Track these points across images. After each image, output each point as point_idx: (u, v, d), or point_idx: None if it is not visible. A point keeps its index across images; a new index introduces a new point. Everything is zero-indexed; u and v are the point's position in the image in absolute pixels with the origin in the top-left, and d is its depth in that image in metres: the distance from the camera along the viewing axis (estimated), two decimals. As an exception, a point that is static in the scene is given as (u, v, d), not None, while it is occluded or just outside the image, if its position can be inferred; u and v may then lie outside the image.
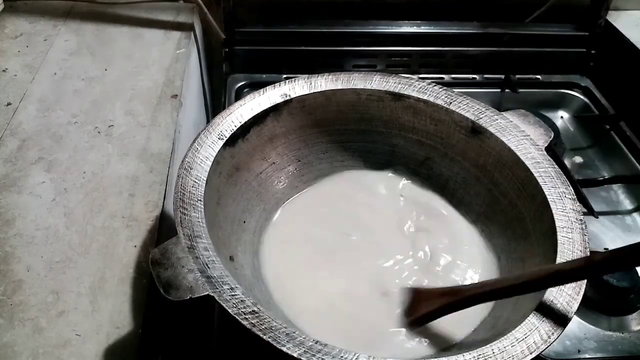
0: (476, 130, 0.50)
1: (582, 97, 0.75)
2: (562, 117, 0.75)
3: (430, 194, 0.54)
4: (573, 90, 0.76)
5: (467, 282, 0.47)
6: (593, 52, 0.78)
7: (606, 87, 0.75)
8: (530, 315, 0.36)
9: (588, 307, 0.48)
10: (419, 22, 0.76)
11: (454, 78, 0.76)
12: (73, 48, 0.67)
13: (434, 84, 0.52)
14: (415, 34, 0.76)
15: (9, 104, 0.59)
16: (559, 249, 0.40)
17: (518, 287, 0.38)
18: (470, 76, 0.76)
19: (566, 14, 0.77)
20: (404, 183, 0.55)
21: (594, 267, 0.36)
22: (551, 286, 0.37)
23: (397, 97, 0.52)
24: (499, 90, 0.74)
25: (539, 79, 0.76)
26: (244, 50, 0.74)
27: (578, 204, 0.43)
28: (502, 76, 0.75)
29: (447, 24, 0.76)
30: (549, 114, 0.72)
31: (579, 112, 0.74)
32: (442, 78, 0.75)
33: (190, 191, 0.41)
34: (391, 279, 0.47)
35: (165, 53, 0.68)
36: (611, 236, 0.56)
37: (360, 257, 0.49)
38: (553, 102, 0.75)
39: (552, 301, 0.37)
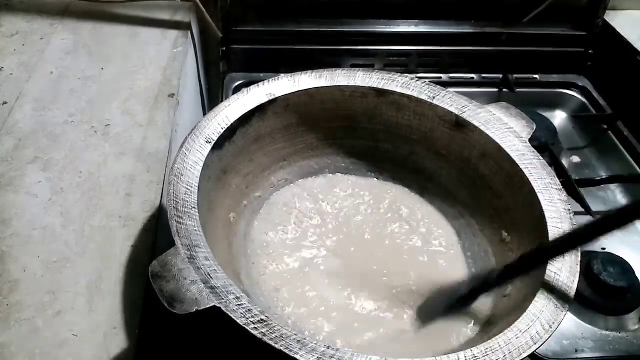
0: (460, 124, 0.50)
1: (579, 96, 0.75)
2: (559, 116, 0.75)
3: (412, 192, 0.55)
4: (571, 90, 0.76)
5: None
6: (591, 51, 0.78)
7: (604, 86, 0.75)
8: (530, 307, 0.36)
9: (586, 307, 0.48)
10: (417, 21, 0.76)
11: (451, 78, 0.76)
12: (70, 47, 0.67)
13: (416, 79, 0.52)
14: (413, 34, 0.76)
15: (5, 103, 0.58)
16: (550, 239, 0.41)
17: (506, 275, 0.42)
18: (468, 76, 0.76)
19: (564, 13, 0.77)
20: (388, 181, 0.55)
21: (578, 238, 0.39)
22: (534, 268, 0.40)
23: (381, 93, 0.52)
24: (496, 90, 0.75)
25: (536, 78, 0.77)
26: (241, 49, 0.74)
27: (565, 194, 0.44)
28: (500, 76, 0.75)
29: (445, 23, 0.76)
30: (547, 114, 0.72)
31: (577, 112, 0.74)
32: (440, 78, 0.75)
33: (183, 199, 0.40)
34: (375, 275, 0.48)
35: (162, 52, 0.68)
36: (608, 236, 0.56)
37: (342, 256, 0.49)
38: (551, 102, 0.75)
39: (550, 292, 0.37)
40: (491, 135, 0.48)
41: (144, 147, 0.55)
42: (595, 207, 0.58)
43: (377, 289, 0.47)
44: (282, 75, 0.51)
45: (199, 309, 0.33)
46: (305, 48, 0.74)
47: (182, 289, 0.34)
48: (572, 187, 0.58)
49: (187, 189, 0.41)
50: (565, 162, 0.65)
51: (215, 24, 0.73)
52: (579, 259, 0.40)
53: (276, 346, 0.32)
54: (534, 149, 0.47)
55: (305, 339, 0.33)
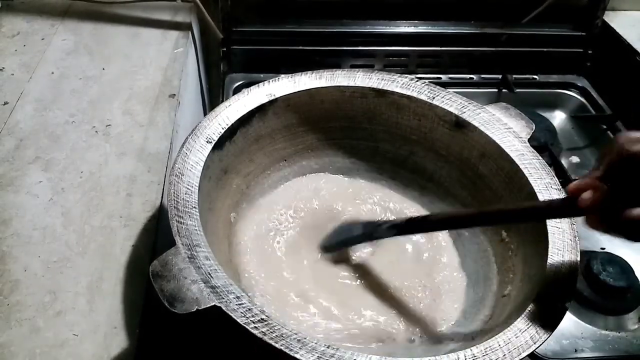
0: (460, 124, 0.50)
1: (579, 97, 0.75)
2: (559, 117, 0.75)
3: (411, 192, 0.55)
4: (570, 90, 0.76)
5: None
6: (590, 52, 0.78)
7: (603, 87, 0.75)
8: (530, 306, 0.36)
9: (585, 307, 0.48)
10: (416, 22, 0.76)
11: (451, 78, 0.76)
12: (70, 47, 0.67)
13: (416, 79, 0.52)
14: (413, 34, 0.76)
15: (6, 103, 0.58)
16: (550, 238, 0.41)
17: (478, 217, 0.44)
18: (468, 76, 0.76)
19: (563, 14, 0.77)
20: (388, 181, 0.55)
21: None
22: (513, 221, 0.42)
23: (381, 93, 0.52)
24: (496, 90, 0.75)
25: (536, 79, 0.77)
26: (241, 50, 0.74)
27: (564, 194, 0.44)
28: (500, 76, 0.75)
29: (445, 24, 0.76)
30: (546, 114, 0.72)
31: (576, 112, 0.75)
32: (440, 78, 0.76)
33: (183, 198, 0.40)
34: (377, 274, 0.48)
35: (163, 52, 0.68)
36: (607, 236, 0.56)
37: (342, 255, 0.49)
38: (550, 102, 0.75)
39: (549, 292, 0.37)
40: (491, 135, 0.48)
41: (145, 147, 0.55)
42: (594, 207, 0.58)
43: (377, 288, 0.47)
44: (282, 75, 0.51)
45: (200, 308, 0.33)
46: (306, 48, 0.74)
47: (183, 289, 0.34)
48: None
49: (188, 188, 0.41)
50: (564, 162, 0.65)
51: (216, 25, 0.73)
52: (579, 258, 0.40)
53: (276, 345, 0.32)
54: (533, 149, 0.47)
55: (305, 338, 0.33)
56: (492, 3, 0.76)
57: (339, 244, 0.49)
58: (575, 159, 0.67)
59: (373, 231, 0.46)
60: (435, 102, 0.51)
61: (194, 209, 0.40)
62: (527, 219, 0.42)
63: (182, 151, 0.43)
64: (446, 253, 0.50)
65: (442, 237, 0.51)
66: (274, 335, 0.33)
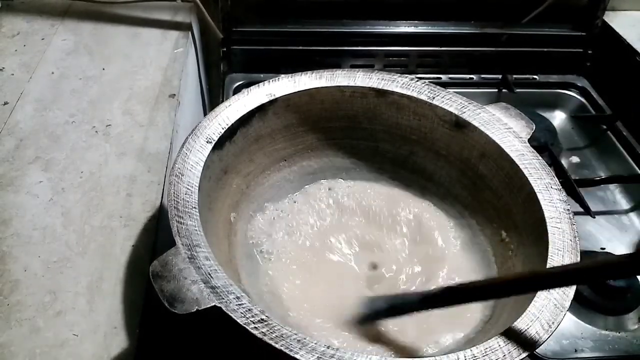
0: (460, 124, 0.50)
1: (579, 97, 0.75)
2: (559, 117, 0.75)
3: (411, 192, 0.54)
4: (570, 91, 0.76)
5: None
6: (590, 52, 0.78)
7: (603, 87, 0.75)
8: (530, 307, 0.36)
9: (585, 307, 0.48)
10: (416, 22, 0.76)
11: (451, 78, 0.76)
12: (70, 47, 0.67)
13: (416, 79, 0.52)
14: (413, 34, 0.76)
15: (6, 103, 0.58)
16: (550, 239, 0.41)
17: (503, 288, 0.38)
18: (468, 76, 0.76)
19: (563, 14, 0.77)
20: (388, 181, 0.55)
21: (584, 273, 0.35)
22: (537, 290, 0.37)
23: (381, 93, 0.52)
24: (496, 90, 0.75)
25: (536, 79, 0.77)
26: (241, 50, 0.74)
27: (564, 194, 0.44)
28: (500, 76, 0.75)
29: (445, 24, 0.76)
30: (546, 114, 0.72)
31: (576, 112, 0.75)
32: (440, 78, 0.76)
33: (183, 199, 0.40)
34: (376, 275, 0.48)
35: (163, 52, 0.68)
36: (607, 236, 0.57)
37: (342, 256, 0.49)
38: (550, 102, 0.75)
39: (549, 291, 0.37)
40: (491, 135, 0.48)
41: (145, 147, 0.55)
42: (594, 207, 0.58)
43: (377, 290, 0.47)
44: (282, 75, 0.51)
45: (200, 308, 0.33)
46: (306, 48, 0.74)
47: (183, 289, 0.34)
48: (572, 187, 0.59)
49: (188, 189, 0.41)
50: (564, 162, 0.65)
51: (216, 25, 0.73)
52: (579, 258, 0.40)
53: (276, 346, 0.32)
54: (533, 149, 0.47)
55: (305, 339, 0.33)
56: (492, 3, 0.76)
57: (367, 319, 0.44)
58: (575, 159, 0.67)
59: (402, 306, 0.42)
60: (435, 102, 0.51)
61: (194, 209, 0.40)
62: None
63: (182, 151, 0.43)
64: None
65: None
66: (274, 335, 0.33)
